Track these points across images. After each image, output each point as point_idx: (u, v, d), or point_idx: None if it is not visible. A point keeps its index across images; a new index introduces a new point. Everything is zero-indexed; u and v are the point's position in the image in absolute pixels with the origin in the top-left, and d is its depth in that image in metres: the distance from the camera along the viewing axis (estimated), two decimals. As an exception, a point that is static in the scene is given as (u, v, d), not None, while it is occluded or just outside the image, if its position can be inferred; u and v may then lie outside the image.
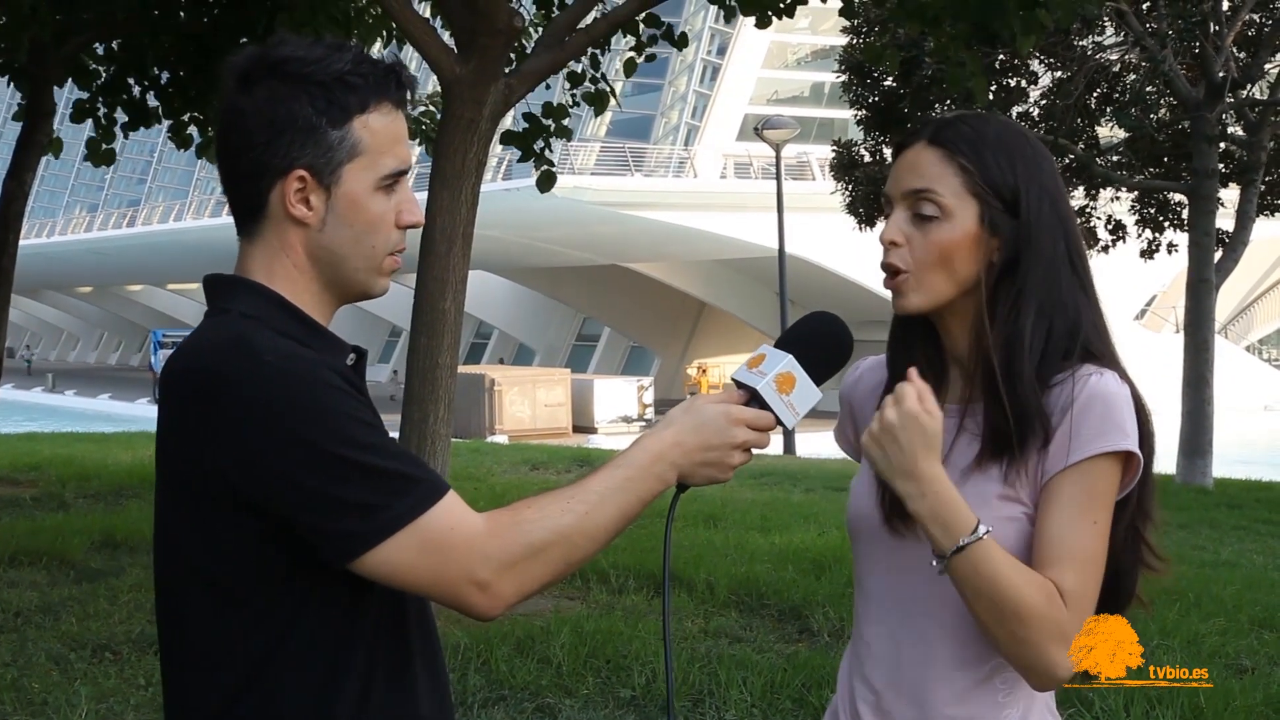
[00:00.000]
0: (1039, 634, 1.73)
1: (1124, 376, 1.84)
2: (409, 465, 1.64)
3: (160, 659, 1.78)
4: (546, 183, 9.47)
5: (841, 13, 9.20)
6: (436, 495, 1.63)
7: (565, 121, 9.81)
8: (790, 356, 1.78)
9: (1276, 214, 17.82)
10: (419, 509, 1.61)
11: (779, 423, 1.79)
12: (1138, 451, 1.79)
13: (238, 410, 1.59)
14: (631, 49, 9.96)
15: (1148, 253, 18.03)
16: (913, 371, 1.80)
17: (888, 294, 1.91)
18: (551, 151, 9.88)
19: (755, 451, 1.79)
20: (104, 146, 11.20)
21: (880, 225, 1.94)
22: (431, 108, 11.93)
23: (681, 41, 10.08)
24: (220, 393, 1.61)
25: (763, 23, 8.33)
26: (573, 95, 10.17)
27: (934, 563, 1.77)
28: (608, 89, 10.09)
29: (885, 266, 1.89)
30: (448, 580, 1.62)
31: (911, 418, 1.75)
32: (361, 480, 1.59)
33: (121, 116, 11.13)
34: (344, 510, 1.59)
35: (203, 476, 1.62)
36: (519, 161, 9.86)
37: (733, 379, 1.82)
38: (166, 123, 11.30)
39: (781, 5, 8.19)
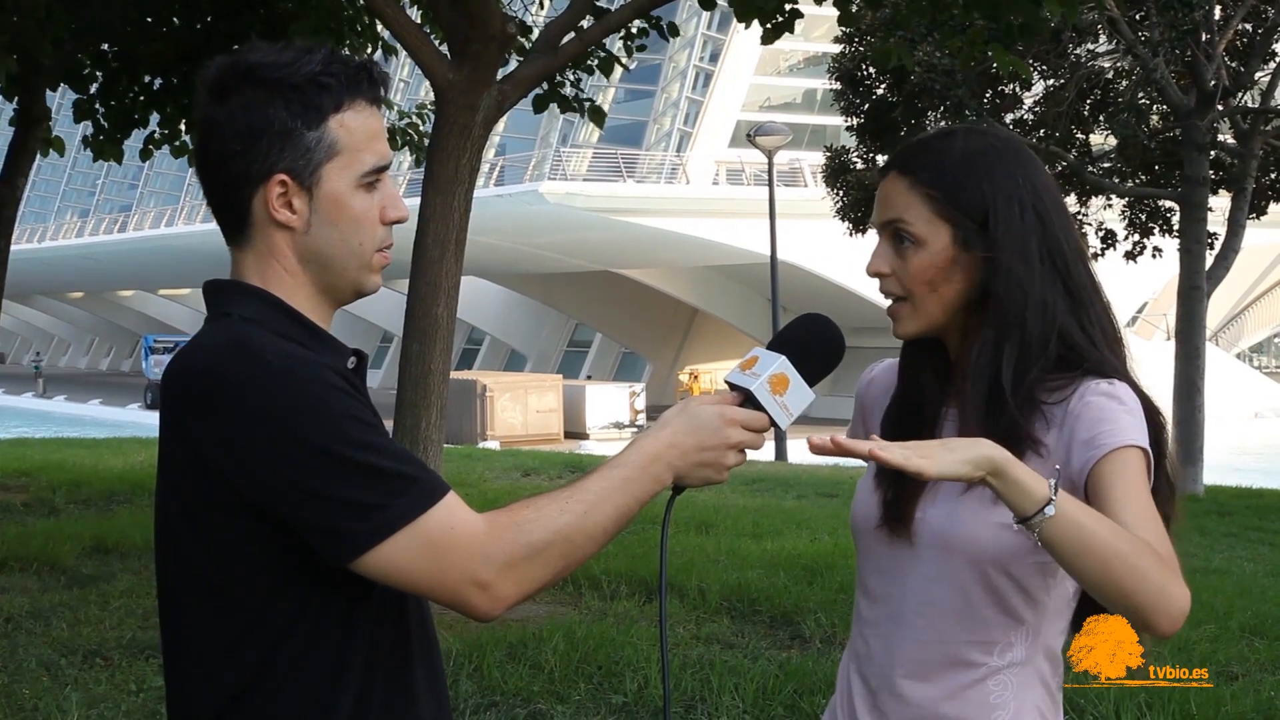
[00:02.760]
0: (1155, 560, 1.66)
1: (1135, 388, 1.85)
2: (409, 465, 1.64)
3: (162, 661, 1.78)
4: (598, 117, 9.49)
5: (840, 21, 9.18)
6: (437, 495, 1.63)
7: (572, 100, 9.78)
8: (783, 358, 1.80)
9: (1264, 217, 17.88)
10: (419, 508, 1.61)
11: (773, 424, 1.80)
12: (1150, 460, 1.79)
13: (239, 411, 1.59)
14: (623, 38, 9.95)
15: (1131, 255, 18.08)
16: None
17: (879, 300, 1.93)
18: (583, 91, 9.85)
19: (748, 455, 1.80)
20: (105, 143, 11.20)
21: (873, 232, 1.95)
22: (416, 119, 11.94)
23: (671, 30, 10.07)
24: (221, 394, 1.61)
25: (769, 37, 8.33)
26: (575, 73, 10.13)
27: (1028, 530, 1.67)
28: (614, 58, 10.03)
29: (882, 293, 1.93)
30: (448, 580, 1.62)
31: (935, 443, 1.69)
32: (362, 480, 1.59)
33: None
34: (344, 510, 1.59)
35: (204, 478, 1.62)
36: (561, 113, 9.80)
37: (726, 381, 1.83)
38: (145, 132, 11.32)
39: (779, 19, 8.17)
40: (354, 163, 1.73)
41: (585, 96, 9.71)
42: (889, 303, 1.93)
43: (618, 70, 10.31)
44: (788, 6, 8.16)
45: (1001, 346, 1.85)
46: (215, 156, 1.72)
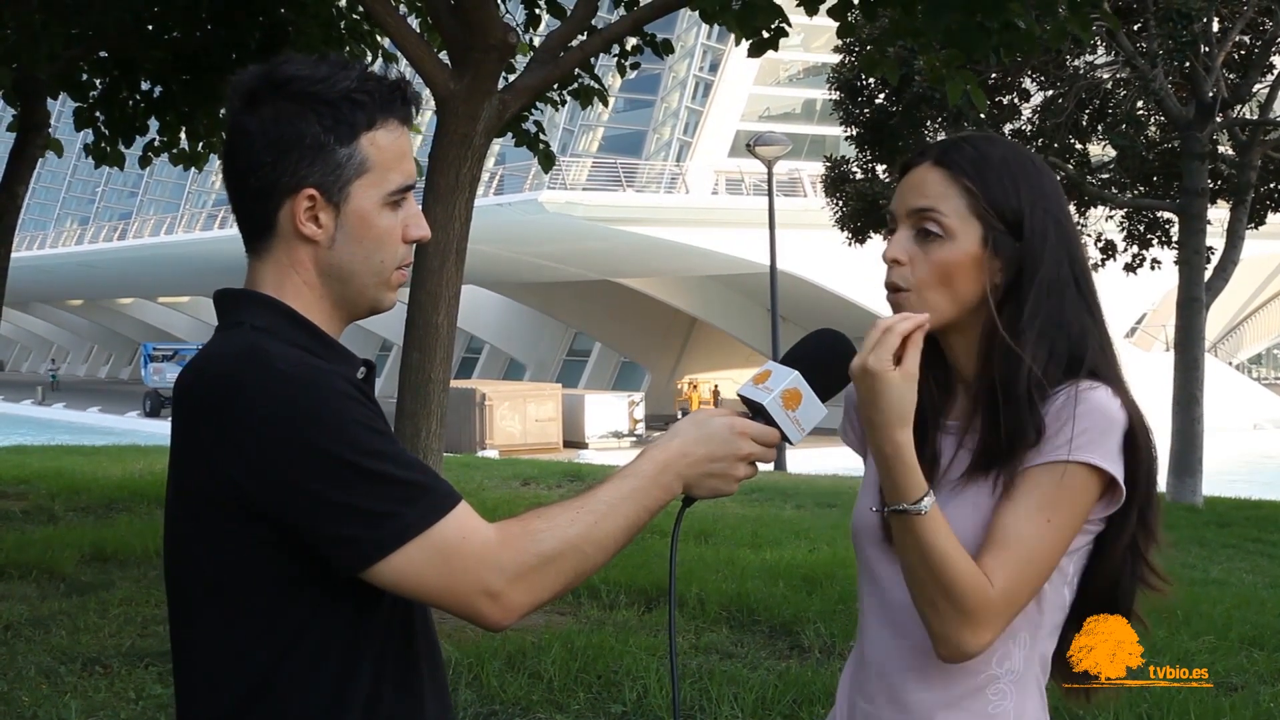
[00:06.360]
0: (955, 609, 1.75)
1: (1119, 391, 1.85)
2: (421, 474, 1.65)
3: (172, 668, 1.79)
4: (547, 162, 9.59)
5: (839, 33, 9.21)
6: (448, 505, 1.64)
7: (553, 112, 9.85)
8: (796, 373, 1.80)
9: (1262, 227, 17.91)
10: (431, 518, 1.62)
11: (784, 438, 1.80)
12: (1111, 471, 1.79)
13: (251, 418, 1.60)
14: (617, 55, 9.99)
15: (1131, 267, 18.10)
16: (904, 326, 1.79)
17: (879, 310, 1.92)
18: (544, 134, 9.92)
19: (758, 467, 1.81)
20: (107, 150, 11.21)
21: (872, 241, 1.96)
22: None
23: (665, 48, 10.09)
24: (234, 401, 1.61)
25: (756, 51, 8.34)
26: (561, 95, 10.18)
27: (873, 508, 1.82)
28: (596, 86, 10.08)
29: (888, 284, 1.91)
30: (459, 590, 1.63)
31: (876, 376, 1.75)
32: (374, 488, 1.60)
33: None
34: (355, 518, 1.59)
35: (215, 485, 1.63)
36: (515, 145, 9.87)
37: (738, 394, 1.83)
38: (143, 140, 11.32)
39: (767, 34, 8.18)
40: (382, 181, 1.74)
41: (544, 139, 9.80)
42: (893, 294, 1.90)
43: (617, 79, 10.35)
44: (776, 24, 8.16)
45: (1030, 356, 1.84)
46: (244, 165, 1.72)
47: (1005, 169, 1.88)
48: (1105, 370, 1.87)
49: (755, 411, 1.80)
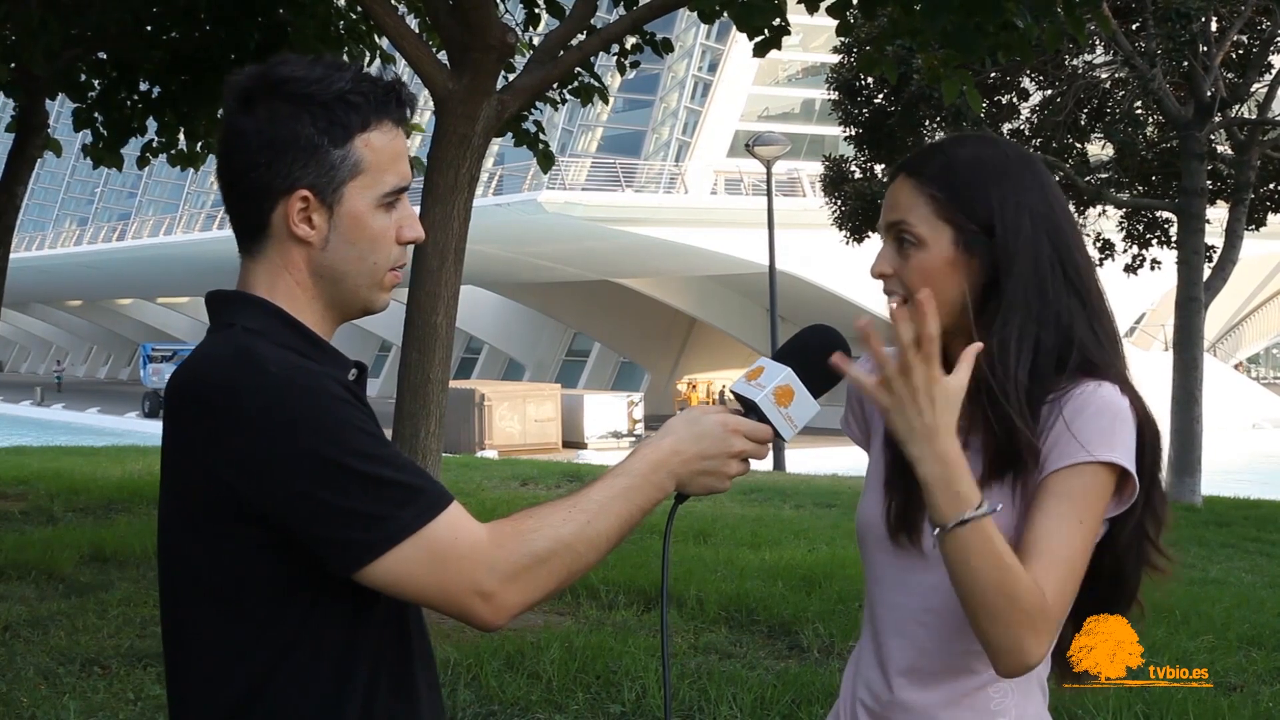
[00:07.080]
0: (1020, 615, 1.72)
1: (1126, 388, 1.85)
2: (413, 475, 1.65)
3: (165, 672, 1.78)
4: (546, 162, 9.61)
5: (838, 31, 9.20)
6: (441, 505, 1.64)
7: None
8: (789, 369, 1.80)
9: (1262, 228, 17.92)
10: (423, 519, 1.62)
11: (777, 435, 1.80)
12: (1130, 469, 1.79)
13: (243, 421, 1.60)
14: (616, 54, 9.99)
15: (1132, 268, 18.11)
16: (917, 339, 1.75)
17: (878, 309, 1.93)
18: (544, 134, 9.92)
19: (751, 464, 1.81)
20: (105, 150, 11.22)
21: (870, 241, 1.96)
22: None
23: (665, 47, 10.09)
24: (225, 404, 1.61)
25: (760, 50, 8.33)
26: (561, 94, 10.19)
27: (933, 532, 1.76)
28: (596, 84, 10.08)
29: (885, 292, 1.92)
30: (452, 590, 1.63)
31: (935, 382, 1.74)
32: (366, 490, 1.60)
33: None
34: (348, 520, 1.59)
35: (208, 488, 1.63)
36: (515, 145, 9.87)
37: (731, 391, 1.83)
38: (142, 140, 11.33)
39: (769, 32, 8.18)
40: (376, 183, 1.73)
41: (543, 139, 9.82)
42: (892, 305, 1.90)
43: (616, 79, 10.35)
44: (777, 22, 8.16)
45: (1014, 355, 1.84)
46: (238, 166, 1.72)
47: (973, 170, 1.88)
48: (1101, 359, 1.87)
49: (748, 408, 1.80)
